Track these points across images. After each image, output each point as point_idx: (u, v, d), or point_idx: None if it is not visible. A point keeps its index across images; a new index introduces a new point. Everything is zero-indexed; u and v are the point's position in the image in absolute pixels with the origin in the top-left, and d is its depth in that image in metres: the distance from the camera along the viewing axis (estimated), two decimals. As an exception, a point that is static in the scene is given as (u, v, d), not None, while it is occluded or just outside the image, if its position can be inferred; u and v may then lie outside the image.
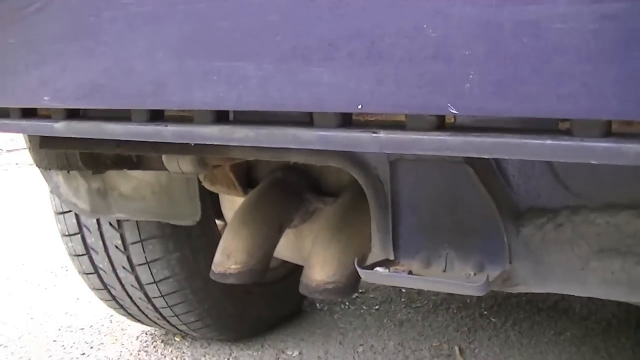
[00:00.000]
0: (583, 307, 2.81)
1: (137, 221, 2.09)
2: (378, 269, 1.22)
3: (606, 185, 1.14)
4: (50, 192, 2.13)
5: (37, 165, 1.79)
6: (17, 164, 6.25)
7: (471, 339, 2.59)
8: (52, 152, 1.68)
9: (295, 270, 2.60)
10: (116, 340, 2.69)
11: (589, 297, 2.89)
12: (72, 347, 2.65)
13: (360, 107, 0.82)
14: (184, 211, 1.93)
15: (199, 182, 1.89)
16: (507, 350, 2.50)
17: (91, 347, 2.64)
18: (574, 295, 2.82)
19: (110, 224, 2.12)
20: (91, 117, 1.10)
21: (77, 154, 1.67)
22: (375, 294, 3.01)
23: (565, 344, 2.53)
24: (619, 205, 1.14)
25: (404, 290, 3.04)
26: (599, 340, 2.54)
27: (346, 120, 0.89)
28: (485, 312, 2.80)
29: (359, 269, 1.23)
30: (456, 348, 2.52)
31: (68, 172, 1.82)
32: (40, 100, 1.08)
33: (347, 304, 2.93)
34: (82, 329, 2.80)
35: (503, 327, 2.68)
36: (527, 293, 2.87)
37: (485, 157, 0.86)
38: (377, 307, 2.90)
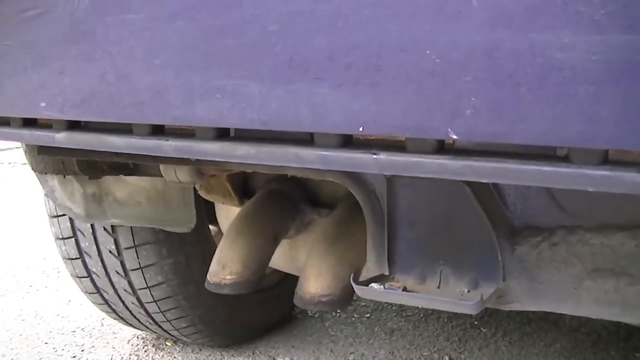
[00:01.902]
0: (573, 319, 2.83)
1: (131, 227, 2.10)
2: (373, 285, 1.22)
3: (602, 207, 1.16)
4: (45, 195, 2.13)
5: (32, 169, 1.79)
6: (9, 163, 6.22)
7: (461, 349, 2.60)
8: (48, 157, 1.68)
9: (287, 278, 2.60)
10: (107, 343, 2.69)
11: (579, 309, 2.91)
12: (63, 349, 2.65)
13: (361, 129, 0.83)
14: (179, 218, 1.93)
15: (195, 189, 1.90)
16: (497, 361, 2.51)
17: (82, 350, 2.64)
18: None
19: (105, 229, 2.12)
20: (92, 129, 1.11)
21: (74, 159, 1.67)
22: (367, 302, 3.02)
23: (555, 355, 2.54)
24: (614, 227, 1.15)
25: (395, 299, 3.04)
26: (588, 352, 2.56)
27: (347, 140, 0.90)
28: (475, 322, 2.82)
29: (354, 285, 1.24)
30: (446, 358, 2.53)
31: (64, 176, 1.82)
32: (38, 110, 1.08)
33: (339, 312, 2.94)
34: (74, 331, 2.80)
35: (493, 337, 2.69)
36: (517, 304, 2.89)
37: (484, 181, 0.87)
38: (368, 315, 2.91)
